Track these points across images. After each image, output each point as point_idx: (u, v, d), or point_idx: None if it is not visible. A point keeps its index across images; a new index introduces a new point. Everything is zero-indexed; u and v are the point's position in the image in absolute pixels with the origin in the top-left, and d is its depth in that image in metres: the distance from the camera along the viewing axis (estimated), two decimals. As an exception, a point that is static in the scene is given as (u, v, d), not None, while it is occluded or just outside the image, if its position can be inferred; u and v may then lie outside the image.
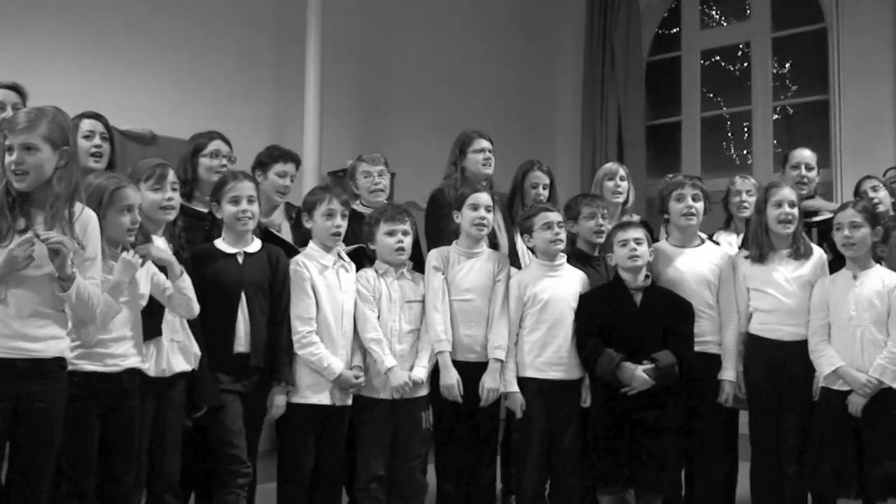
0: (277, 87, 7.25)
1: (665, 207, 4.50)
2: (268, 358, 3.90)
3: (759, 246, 4.32)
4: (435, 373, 4.20)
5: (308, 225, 4.16)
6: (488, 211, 4.32)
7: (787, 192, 4.33)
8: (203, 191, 4.19)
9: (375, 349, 4.08)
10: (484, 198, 4.32)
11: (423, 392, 4.20)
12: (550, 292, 4.27)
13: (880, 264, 4.20)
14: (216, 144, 4.36)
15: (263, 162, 4.55)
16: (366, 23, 7.67)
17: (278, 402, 3.92)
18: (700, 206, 4.40)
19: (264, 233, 4.19)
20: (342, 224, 4.11)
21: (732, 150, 9.10)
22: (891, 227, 4.27)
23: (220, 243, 3.94)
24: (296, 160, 4.62)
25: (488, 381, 4.18)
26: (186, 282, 3.51)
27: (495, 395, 4.20)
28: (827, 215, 4.70)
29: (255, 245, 3.97)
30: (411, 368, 4.15)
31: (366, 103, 7.67)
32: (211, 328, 3.77)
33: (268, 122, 7.02)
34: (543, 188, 5.06)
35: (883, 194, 5.02)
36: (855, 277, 4.10)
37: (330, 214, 4.07)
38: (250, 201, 3.91)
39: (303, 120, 7.04)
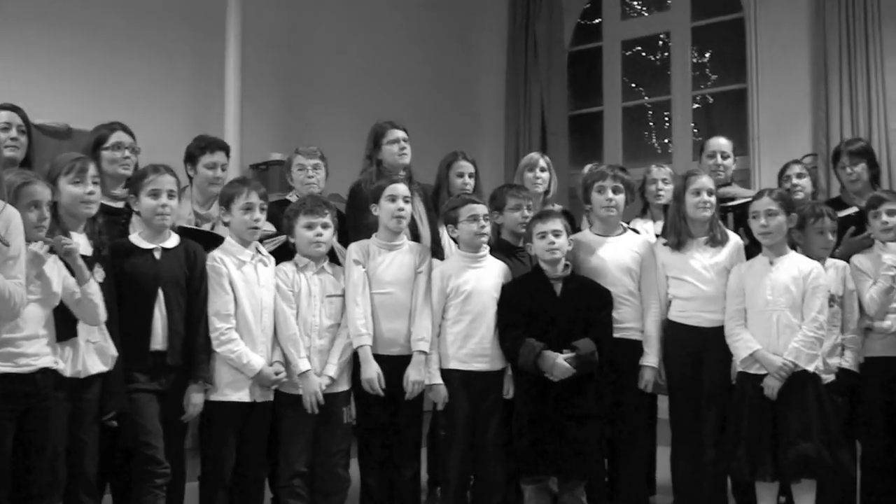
0: (196, 80, 7.12)
1: (587, 198, 4.53)
2: (185, 356, 3.84)
3: (677, 234, 4.37)
4: (358, 366, 4.16)
5: (226, 219, 4.10)
6: (406, 202, 4.29)
7: (706, 180, 4.39)
8: (107, 184, 4.05)
9: (291, 350, 4.04)
10: (401, 189, 4.29)
11: (344, 387, 4.17)
12: (473, 284, 4.26)
13: (796, 250, 4.28)
14: (118, 136, 4.25)
15: (192, 154, 4.49)
16: (286, 13, 7.58)
17: (194, 400, 3.86)
18: (620, 198, 4.43)
19: (182, 228, 4.11)
20: (260, 218, 4.05)
21: (654, 139, 9.19)
22: (807, 215, 4.33)
23: (136, 238, 3.86)
24: (224, 148, 4.56)
25: (413, 374, 4.16)
26: (94, 287, 3.42)
27: (420, 388, 4.18)
28: (743, 200, 4.77)
29: (172, 240, 3.90)
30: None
31: (287, 95, 7.58)
32: (127, 326, 3.70)
33: (187, 115, 6.89)
34: (469, 177, 5.06)
35: (806, 181, 5.11)
36: (771, 263, 4.17)
37: (248, 208, 4.01)
38: (170, 196, 3.83)
39: (223, 112, 6.93)
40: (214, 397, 3.91)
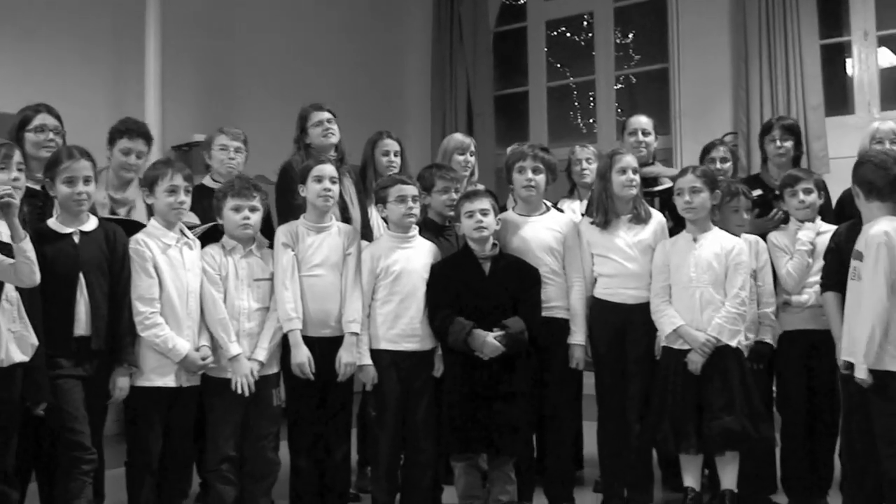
0: (116, 59, 6.96)
1: (510, 178, 4.56)
2: (110, 340, 3.77)
3: (603, 212, 4.42)
4: (287, 349, 4.14)
5: (149, 201, 4.05)
6: (333, 182, 4.26)
7: (630, 159, 4.45)
8: (31, 167, 3.94)
9: (221, 334, 4.00)
10: (328, 169, 4.27)
11: (273, 370, 4.15)
12: (402, 264, 4.26)
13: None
14: (42, 118, 4.15)
15: (111, 136, 4.42)
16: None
17: (120, 384, 3.81)
18: (540, 178, 4.46)
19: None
20: (185, 200, 3.99)
21: (579, 119, 9.25)
22: (723, 193, 4.40)
23: (53, 223, 3.77)
24: (143, 135, 4.47)
25: (345, 356, 4.15)
26: (28, 244, 3.33)
27: (352, 370, 4.18)
28: (667, 184, 4.84)
29: (91, 223, 3.82)
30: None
31: (210, 76, 7.45)
32: (49, 311, 3.61)
33: (107, 96, 6.75)
34: (395, 155, 5.06)
35: (728, 165, 5.20)
36: (695, 240, 4.25)
37: (172, 190, 3.95)
38: (86, 182, 3.75)
39: (143, 93, 6.79)
40: (140, 382, 3.86)
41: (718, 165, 5.10)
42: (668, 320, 4.20)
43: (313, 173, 4.25)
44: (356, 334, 4.18)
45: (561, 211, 4.84)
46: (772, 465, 4.41)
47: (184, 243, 4.03)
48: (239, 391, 3.97)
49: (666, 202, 4.72)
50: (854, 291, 3.80)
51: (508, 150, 5.33)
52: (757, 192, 4.73)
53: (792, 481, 4.42)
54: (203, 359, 3.94)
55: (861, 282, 3.74)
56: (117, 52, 6.92)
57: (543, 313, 4.32)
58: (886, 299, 3.63)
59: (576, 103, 9.27)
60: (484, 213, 4.21)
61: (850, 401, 3.91)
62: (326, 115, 4.86)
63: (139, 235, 3.95)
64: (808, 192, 4.41)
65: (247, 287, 4.11)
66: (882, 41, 7.30)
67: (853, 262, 3.82)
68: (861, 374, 3.66)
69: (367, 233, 4.70)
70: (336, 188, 4.28)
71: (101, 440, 3.84)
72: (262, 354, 4.07)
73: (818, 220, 4.42)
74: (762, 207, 4.70)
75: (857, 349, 3.68)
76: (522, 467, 4.36)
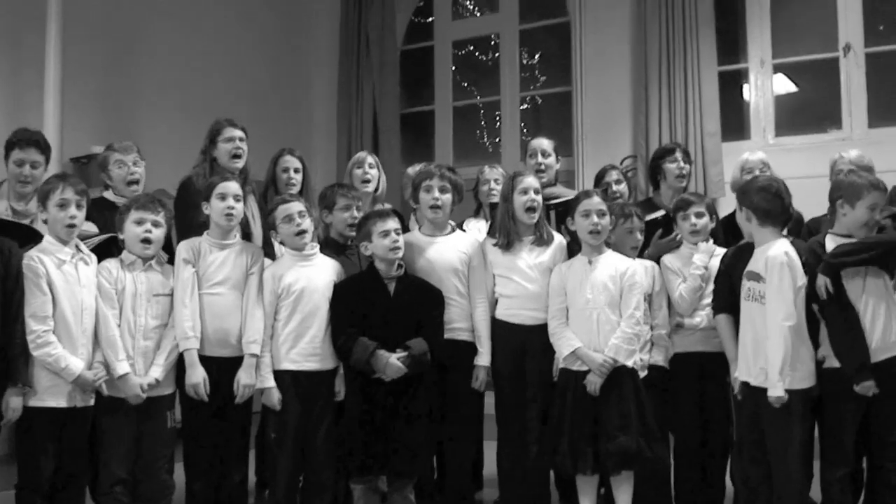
0: (15, 68, 6.73)
1: (415, 197, 4.58)
2: (2, 359, 3.68)
3: (506, 234, 4.46)
4: (183, 368, 4.06)
5: (43, 216, 3.94)
6: (237, 200, 4.22)
7: (532, 180, 4.50)
8: None
9: (109, 353, 3.92)
10: (232, 187, 4.23)
11: (167, 390, 4.08)
12: (304, 283, 4.24)
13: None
14: None
15: (5, 148, 4.35)
16: (111, 3, 7.28)
17: (13, 404, 3.70)
18: (447, 197, 4.49)
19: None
20: (77, 215, 3.90)
21: (485, 139, 9.30)
22: (617, 215, 4.48)
23: (-59, 238, 3.66)
24: (36, 144, 4.38)
25: (244, 378, 4.11)
26: None
27: (251, 392, 4.14)
28: (565, 199, 4.91)
29: (-19, 239, 3.72)
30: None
31: (112, 87, 7.28)
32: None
33: (4, 105, 6.53)
34: (295, 172, 5.03)
35: (623, 187, 5.31)
36: (590, 262, 4.31)
37: (62, 205, 3.87)
38: None
39: (42, 103, 6.60)
40: (32, 403, 3.76)
41: (614, 188, 5.21)
42: (565, 342, 4.25)
43: (217, 190, 4.20)
44: (256, 355, 4.13)
45: (464, 231, 4.85)
46: (666, 485, 4.47)
47: (79, 259, 3.94)
48: (134, 402, 3.91)
49: (561, 216, 4.78)
50: (754, 312, 3.90)
51: (409, 170, 5.38)
52: (659, 213, 4.83)
53: (685, 501, 4.48)
54: (96, 377, 3.85)
55: (763, 303, 3.85)
56: (16, 60, 6.71)
57: (446, 335, 4.35)
58: (795, 318, 3.77)
59: (482, 122, 9.30)
60: (398, 232, 4.23)
61: (742, 422, 4.01)
62: (239, 132, 4.79)
63: (32, 252, 3.85)
64: (699, 215, 4.52)
65: (145, 303, 4.04)
66: (777, 69, 7.54)
67: (748, 284, 3.94)
68: (778, 391, 3.74)
69: (269, 251, 4.65)
70: (240, 206, 4.25)
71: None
72: (157, 372, 4.00)
73: (711, 242, 4.53)
74: (665, 228, 4.79)
75: (770, 368, 3.77)
76: (422, 489, 4.37)
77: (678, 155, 5.17)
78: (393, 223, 4.24)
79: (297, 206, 4.30)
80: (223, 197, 4.20)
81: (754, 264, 3.94)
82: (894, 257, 3.89)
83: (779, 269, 3.81)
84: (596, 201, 4.33)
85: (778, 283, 3.80)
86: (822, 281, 3.82)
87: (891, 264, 3.90)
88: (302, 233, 4.27)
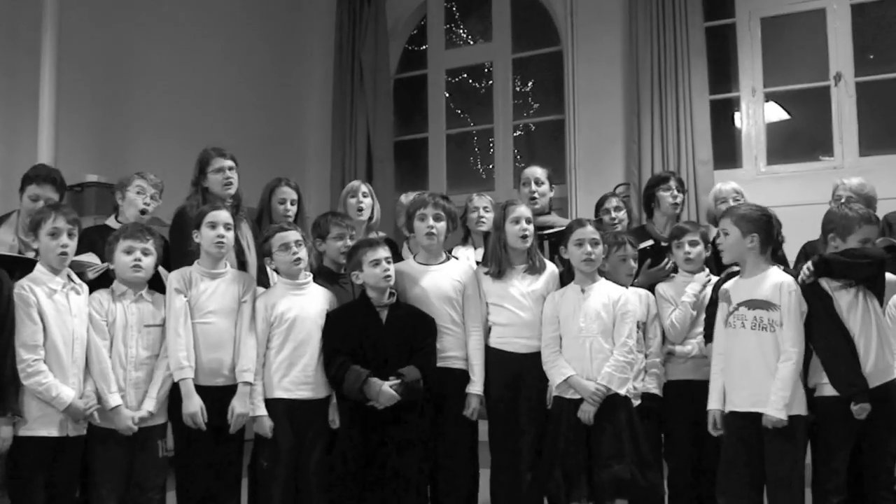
0: (9, 96, 6.73)
1: (410, 226, 4.59)
2: (-7, 388, 3.66)
3: (498, 262, 4.47)
4: (177, 397, 4.05)
5: (35, 245, 3.95)
6: (227, 229, 4.23)
7: (524, 210, 4.52)
8: None
9: (102, 385, 3.92)
10: (222, 216, 4.24)
11: (160, 420, 4.06)
12: (296, 311, 4.24)
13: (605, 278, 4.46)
14: None
15: (22, 182, 4.48)
16: (106, 32, 7.29)
17: (3, 433, 3.70)
18: (441, 225, 4.51)
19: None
20: (69, 244, 3.92)
21: (479, 166, 9.32)
22: (610, 243, 4.52)
23: (-66, 268, 3.66)
24: (52, 181, 4.51)
25: (238, 407, 4.10)
26: None
27: (244, 420, 4.13)
28: (559, 229, 4.93)
29: (-26, 270, 3.72)
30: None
31: (106, 116, 7.28)
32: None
33: (-1, 133, 6.57)
34: (291, 204, 5.05)
35: (623, 214, 5.34)
36: (583, 291, 4.33)
37: (54, 233, 3.89)
38: None
39: (37, 132, 6.62)
40: (23, 432, 3.75)
41: (613, 215, 5.24)
42: (558, 371, 4.25)
43: (207, 219, 4.21)
44: (250, 384, 4.13)
45: (456, 258, 4.87)
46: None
47: (70, 288, 3.95)
48: (127, 433, 3.90)
49: (555, 246, 4.80)
50: (761, 341, 3.89)
51: (402, 198, 5.40)
52: (649, 243, 4.86)
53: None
54: (87, 406, 3.84)
55: (773, 331, 3.87)
56: (10, 88, 6.72)
57: (440, 363, 4.35)
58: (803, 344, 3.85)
59: (476, 150, 9.32)
60: (388, 261, 4.24)
61: (731, 451, 4.00)
62: (228, 162, 4.82)
63: (24, 281, 3.86)
64: (693, 244, 4.55)
65: (136, 333, 4.05)
66: (769, 97, 7.59)
67: (752, 313, 3.93)
68: (782, 415, 3.76)
69: (263, 279, 4.66)
70: (230, 235, 4.25)
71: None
72: (151, 405, 4.00)
73: (706, 271, 4.55)
74: (654, 257, 4.81)
75: (780, 392, 3.78)
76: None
77: (672, 183, 5.21)
78: (383, 252, 4.25)
79: (294, 235, 4.31)
80: (213, 225, 4.20)
81: (756, 292, 3.95)
82: (882, 278, 3.92)
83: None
84: (589, 230, 4.35)
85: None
86: (807, 270, 3.91)
87: (878, 286, 3.93)
88: (298, 261, 4.28)
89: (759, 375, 3.89)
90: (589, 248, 4.30)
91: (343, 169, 8.67)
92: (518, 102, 8.95)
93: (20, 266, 4.01)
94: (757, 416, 3.86)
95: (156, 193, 4.82)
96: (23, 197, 4.42)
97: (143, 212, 4.75)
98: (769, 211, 4.10)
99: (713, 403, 4.06)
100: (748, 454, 3.92)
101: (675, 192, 5.18)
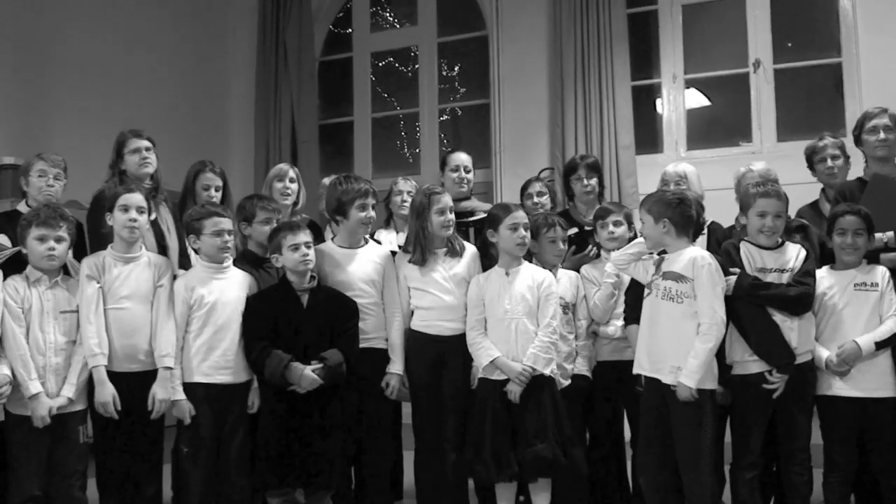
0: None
1: (343, 212, 4.52)
2: None
3: (420, 250, 4.47)
4: (94, 384, 3.99)
5: (-53, 230, 3.85)
6: (140, 212, 4.16)
7: (447, 199, 4.53)
8: None
9: (21, 371, 3.85)
10: (135, 198, 4.17)
11: (79, 406, 4.00)
12: (216, 295, 4.21)
13: (530, 260, 4.50)
14: None
15: None
16: (20, 9, 7.11)
17: None
18: (374, 213, 4.53)
19: None
20: None
21: (406, 150, 9.32)
22: (540, 225, 4.56)
23: None
24: None
25: (160, 392, 4.06)
26: None
27: (166, 406, 4.08)
28: (482, 215, 4.96)
29: None
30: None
31: (23, 95, 7.09)
32: None
33: None
34: (216, 190, 4.98)
35: (546, 199, 5.37)
36: (507, 274, 4.36)
37: None
38: None
39: (-53, 112, 6.46)
40: (-66, 418, 3.66)
41: (535, 199, 5.28)
42: (484, 352, 4.28)
43: (119, 202, 4.14)
44: (170, 368, 4.09)
45: (379, 243, 4.86)
46: (583, 490, 4.52)
47: (-17, 274, 3.85)
48: (39, 426, 3.83)
49: (479, 232, 4.83)
50: (671, 311, 3.99)
51: (325, 180, 5.37)
52: (573, 231, 4.91)
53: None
54: (1, 388, 3.77)
55: (681, 301, 3.96)
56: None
57: (362, 344, 4.35)
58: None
59: (403, 133, 9.31)
60: (308, 245, 4.21)
61: (647, 420, 4.10)
62: (145, 143, 4.72)
63: (-67, 266, 3.76)
64: (618, 224, 4.61)
65: (53, 320, 3.97)
66: (689, 84, 7.72)
67: (664, 283, 4.03)
68: (692, 384, 3.84)
69: (184, 262, 4.60)
70: (143, 218, 4.18)
71: None
72: (70, 391, 3.94)
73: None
74: (577, 244, 4.87)
75: (693, 362, 3.86)
76: (340, 500, 4.35)
77: (581, 172, 5.23)
78: (304, 236, 4.23)
79: (228, 224, 4.28)
80: (126, 209, 4.13)
81: (671, 265, 4.04)
82: (798, 307, 4.06)
83: (707, 271, 3.94)
84: (522, 214, 4.39)
85: (709, 283, 3.93)
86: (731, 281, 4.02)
87: (797, 311, 4.06)
88: (227, 249, 4.26)
89: (665, 345, 3.99)
90: (523, 232, 4.35)
91: (267, 151, 8.59)
92: (444, 87, 8.96)
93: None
94: (660, 384, 3.96)
95: (59, 173, 4.64)
96: None
97: (48, 195, 4.57)
98: (684, 195, 4.19)
99: (637, 368, 4.16)
100: (660, 428, 4.00)
101: (586, 181, 5.22)
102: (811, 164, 4.97)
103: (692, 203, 4.12)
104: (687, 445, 3.89)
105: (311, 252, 4.23)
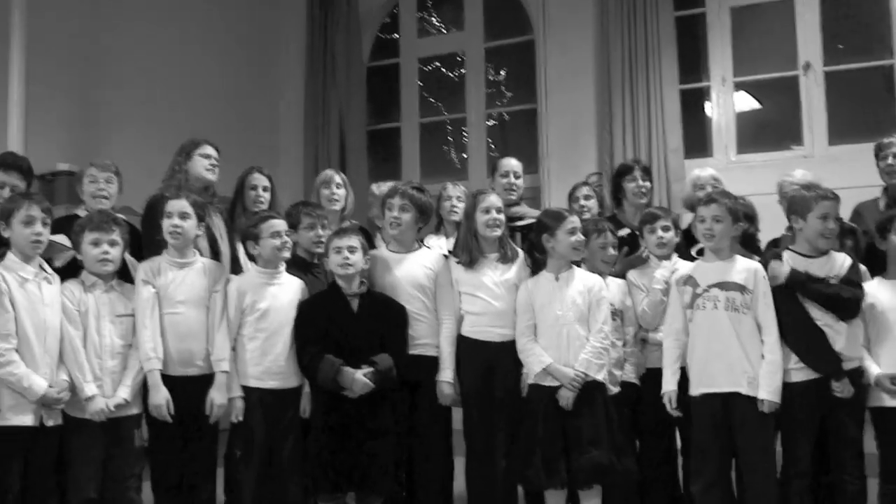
0: (-24, 86, 6.70)
1: (382, 215, 4.61)
2: (-35, 378, 3.64)
3: (468, 251, 4.49)
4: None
5: (6, 234, 3.92)
6: (183, 218, 4.20)
7: (494, 199, 4.53)
8: None
9: (77, 374, 3.90)
10: (178, 205, 4.23)
11: (135, 410, 4.06)
12: (269, 301, 4.25)
13: (579, 266, 4.49)
14: None
15: None
16: (77, 19, 7.20)
17: None
18: (407, 216, 4.53)
19: None
20: (43, 232, 3.90)
21: (453, 155, 9.33)
22: (590, 230, 4.54)
23: None
24: (19, 169, 4.46)
25: (218, 397, 4.11)
26: None
27: (223, 411, 4.13)
28: (530, 221, 4.96)
29: (-53, 257, 3.71)
30: None
31: (77, 103, 7.20)
32: None
33: (-33, 122, 6.49)
34: (263, 190, 5.05)
35: (593, 202, 5.37)
36: (557, 279, 4.34)
37: (28, 222, 3.86)
38: None
39: (6, 120, 6.55)
40: (-4, 421, 3.73)
41: (582, 203, 5.27)
42: (535, 359, 4.26)
43: (165, 209, 4.21)
44: (227, 373, 4.14)
45: (428, 248, 4.88)
46: (634, 499, 4.50)
47: (43, 278, 3.92)
48: (96, 420, 3.89)
49: (526, 237, 4.83)
50: (735, 322, 4.02)
51: (373, 187, 5.41)
52: (625, 231, 4.89)
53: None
54: (59, 396, 3.82)
55: (746, 312, 4.01)
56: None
57: (413, 350, 4.36)
58: None
59: (450, 139, 9.33)
60: (351, 250, 4.24)
61: (703, 435, 4.08)
62: (215, 152, 4.86)
63: (-6, 269, 3.83)
64: (666, 229, 4.58)
65: (109, 323, 4.03)
66: (738, 87, 7.65)
67: (725, 294, 4.04)
68: (776, 398, 3.91)
69: (236, 268, 4.66)
70: (188, 224, 4.22)
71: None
72: (124, 392, 3.99)
73: (675, 257, 4.59)
74: (630, 246, 4.85)
75: (771, 377, 3.94)
76: (392, 505, 4.38)
77: (637, 173, 5.24)
78: (347, 241, 4.26)
79: (283, 225, 4.34)
80: (169, 215, 4.21)
81: (728, 275, 4.06)
82: (847, 311, 4.03)
83: (765, 282, 4.01)
84: (577, 220, 4.40)
85: (769, 295, 4.00)
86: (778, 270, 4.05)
87: (845, 315, 4.03)
88: (285, 250, 4.31)
89: (733, 356, 4.00)
90: (581, 237, 4.34)
91: (316, 158, 8.66)
92: (491, 91, 8.97)
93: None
94: (729, 398, 3.96)
95: (111, 177, 4.69)
96: None
97: (101, 199, 4.63)
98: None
99: (670, 385, 4.19)
100: (720, 440, 4.00)
101: (640, 182, 5.22)
102: (877, 162, 5.01)
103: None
104: (754, 450, 3.95)
105: (354, 257, 4.24)
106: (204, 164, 4.78)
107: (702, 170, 5.33)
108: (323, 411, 4.20)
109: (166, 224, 4.19)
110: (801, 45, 7.33)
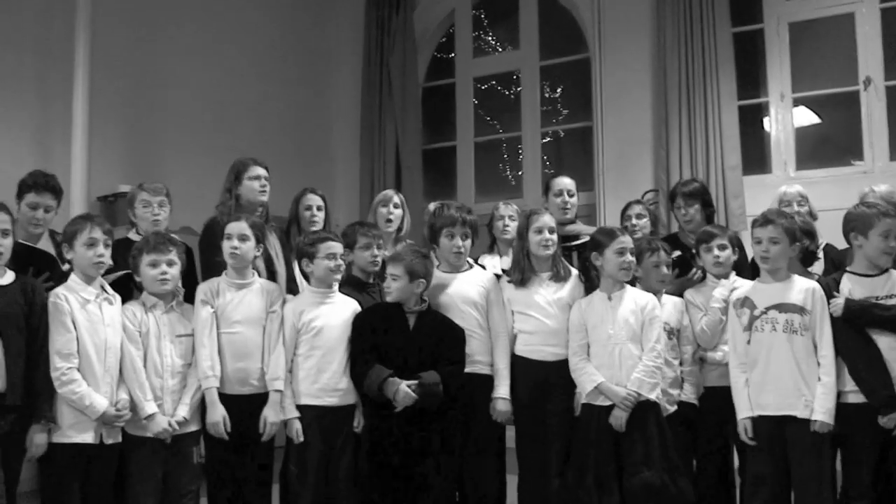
0: (42, 108, 6.83)
1: (434, 239, 4.61)
2: (26, 396, 3.72)
3: (521, 271, 4.50)
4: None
5: (69, 255, 4.01)
6: (242, 240, 4.25)
7: (547, 219, 4.54)
8: None
9: (138, 393, 3.97)
10: (236, 227, 4.28)
11: (193, 427, 4.11)
12: (324, 320, 4.29)
13: (633, 285, 4.46)
14: None
15: (19, 189, 4.39)
16: (138, 42, 7.39)
17: (38, 440, 3.75)
18: (468, 242, 4.58)
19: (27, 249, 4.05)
20: (105, 254, 3.98)
21: (508, 173, 9.33)
22: (643, 249, 4.53)
23: (-32, 278, 3.73)
24: (51, 189, 4.46)
25: (271, 416, 4.15)
26: None
27: (276, 429, 4.17)
28: (584, 240, 4.94)
29: (7, 277, 3.81)
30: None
31: (138, 125, 7.38)
32: (-37, 367, 3.55)
33: (32, 145, 6.60)
34: (318, 209, 5.11)
35: (645, 221, 5.35)
36: (609, 298, 4.33)
37: (91, 244, 3.94)
38: (3, 235, 3.76)
39: (70, 142, 6.71)
40: (57, 439, 3.80)
41: (634, 221, 5.25)
42: (588, 378, 4.26)
43: (225, 231, 4.28)
44: (281, 391, 4.17)
45: (483, 267, 4.89)
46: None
47: (104, 299, 4.00)
48: (163, 437, 3.95)
49: (581, 255, 4.82)
50: (792, 344, 3.98)
51: (431, 206, 5.42)
52: (676, 254, 4.85)
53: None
54: (119, 412, 3.89)
55: (804, 335, 3.97)
56: (43, 98, 6.82)
57: (467, 368, 4.36)
58: None
59: (505, 156, 9.32)
60: (394, 278, 4.26)
61: (762, 457, 4.02)
62: (264, 171, 4.91)
63: (59, 290, 3.92)
64: (722, 248, 4.54)
65: (169, 343, 4.10)
66: (797, 102, 7.55)
67: (784, 316, 4.00)
68: (832, 420, 3.86)
69: (293, 287, 4.72)
70: (246, 246, 4.27)
71: (14, 497, 3.76)
72: (184, 410, 4.05)
73: (733, 275, 4.54)
74: (681, 267, 4.81)
75: (825, 399, 3.88)
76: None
77: (679, 202, 5.26)
78: (392, 269, 4.28)
79: (340, 247, 4.38)
80: (229, 237, 4.27)
81: (786, 296, 4.03)
82: None
83: (822, 302, 3.98)
84: (627, 239, 4.39)
85: (827, 315, 3.97)
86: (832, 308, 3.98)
87: None
88: (339, 272, 4.36)
89: (789, 379, 3.96)
90: (630, 257, 4.33)
91: (372, 177, 8.71)
92: (546, 109, 8.95)
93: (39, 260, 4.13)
94: (783, 421, 3.91)
95: (163, 200, 4.79)
96: (20, 205, 4.40)
97: (155, 223, 4.73)
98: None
99: (745, 412, 4.09)
100: (776, 465, 3.95)
101: (684, 210, 5.22)
102: None
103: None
104: (808, 473, 3.88)
105: (396, 285, 4.26)
106: (255, 188, 4.84)
107: (789, 185, 5.25)
108: (374, 427, 4.22)
109: (226, 246, 4.25)
110: (861, 59, 7.21)
